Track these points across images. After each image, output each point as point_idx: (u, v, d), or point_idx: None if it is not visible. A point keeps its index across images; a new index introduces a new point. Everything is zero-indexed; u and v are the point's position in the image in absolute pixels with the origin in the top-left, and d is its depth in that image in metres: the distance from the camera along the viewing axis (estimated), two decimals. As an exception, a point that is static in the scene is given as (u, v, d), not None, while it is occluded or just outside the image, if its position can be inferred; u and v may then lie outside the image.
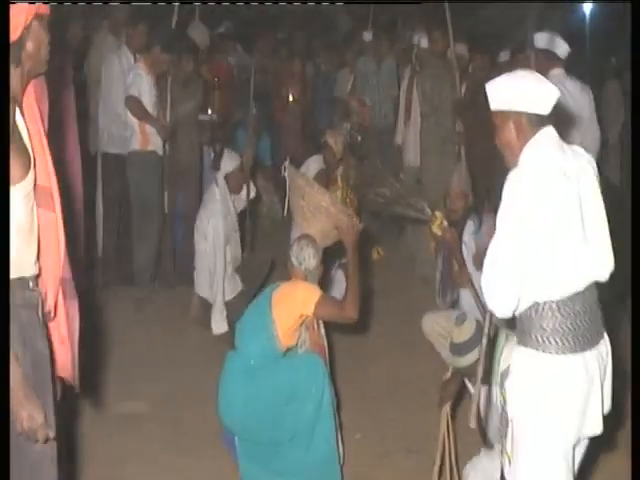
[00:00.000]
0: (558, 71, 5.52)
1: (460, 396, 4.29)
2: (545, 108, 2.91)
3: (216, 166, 6.14)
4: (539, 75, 3.01)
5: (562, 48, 5.64)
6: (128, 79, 6.26)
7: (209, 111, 7.09)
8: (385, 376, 5.40)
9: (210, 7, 8.63)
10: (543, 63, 5.57)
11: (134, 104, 6.24)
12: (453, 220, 4.96)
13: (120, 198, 6.71)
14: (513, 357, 3.00)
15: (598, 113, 5.82)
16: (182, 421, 4.71)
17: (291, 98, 9.10)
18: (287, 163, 4.69)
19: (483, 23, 11.07)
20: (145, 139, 6.34)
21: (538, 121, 2.91)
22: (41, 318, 2.50)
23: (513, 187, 2.76)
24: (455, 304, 4.97)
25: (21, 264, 2.39)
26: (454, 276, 4.86)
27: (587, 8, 9.97)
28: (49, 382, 2.54)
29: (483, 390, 4.06)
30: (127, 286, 6.60)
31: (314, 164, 6.23)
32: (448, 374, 4.21)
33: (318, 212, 4.26)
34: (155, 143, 6.46)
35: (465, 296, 4.94)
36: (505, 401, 3.77)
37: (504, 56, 8.51)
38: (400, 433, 4.66)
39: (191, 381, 5.10)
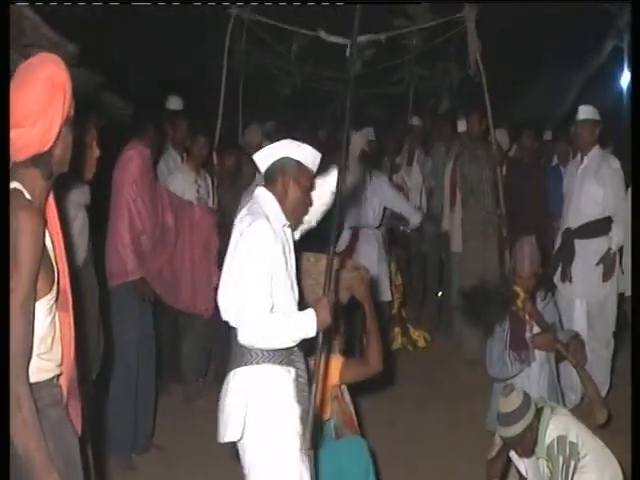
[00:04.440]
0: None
1: (506, 473, 4.20)
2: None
3: None
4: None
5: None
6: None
7: None
8: (437, 460, 5.23)
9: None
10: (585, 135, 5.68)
11: None
12: (529, 289, 4.90)
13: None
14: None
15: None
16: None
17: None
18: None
19: (523, 105, 11.14)
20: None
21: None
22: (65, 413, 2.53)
23: None
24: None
25: (46, 368, 2.42)
26: (539, 341, 4.82)
27: (624, 82, 9.97)
28: (80, 473, 2.56)
29: (528, 462, 3.96)
30: (177, 382, 6.59)
31: None
32: (493, 452, 4.12)
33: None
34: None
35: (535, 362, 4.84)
36: (552, 473, 3.68)
37: (547, 135, 8.57)
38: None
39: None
